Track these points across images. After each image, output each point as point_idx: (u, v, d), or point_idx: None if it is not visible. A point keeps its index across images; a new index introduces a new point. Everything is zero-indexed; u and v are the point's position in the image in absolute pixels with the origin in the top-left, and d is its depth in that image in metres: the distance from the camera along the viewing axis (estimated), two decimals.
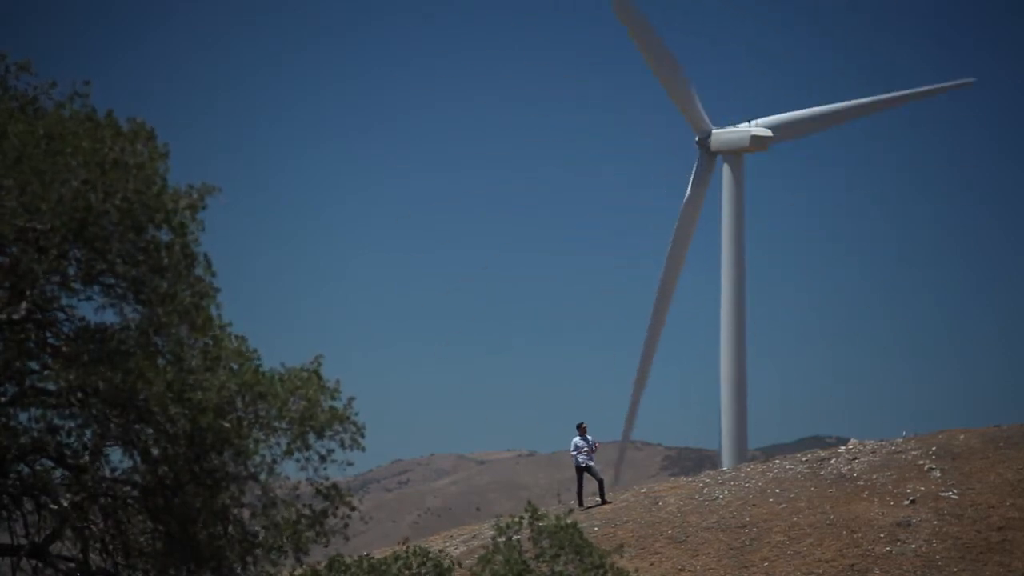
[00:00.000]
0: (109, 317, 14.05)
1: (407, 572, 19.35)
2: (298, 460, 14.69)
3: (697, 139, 54.66)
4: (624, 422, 58.15)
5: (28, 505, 15.10)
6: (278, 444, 14.53)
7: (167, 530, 14.71)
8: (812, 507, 32.53)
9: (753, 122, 54.33)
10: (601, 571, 20.93)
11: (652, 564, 30.42)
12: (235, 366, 14.09)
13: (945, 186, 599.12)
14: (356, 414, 14.89)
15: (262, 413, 14.30)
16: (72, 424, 14.41)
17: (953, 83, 57.73)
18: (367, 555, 19.48)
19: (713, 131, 54.32)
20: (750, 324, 54.95)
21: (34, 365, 14.25)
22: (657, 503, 34.82)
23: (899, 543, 30.13)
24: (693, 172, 54.51)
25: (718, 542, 31.29)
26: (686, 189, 54.60)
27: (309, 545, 15.24)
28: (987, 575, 28.72)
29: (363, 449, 14.89)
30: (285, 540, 14.96)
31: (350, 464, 15.06)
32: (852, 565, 29.40)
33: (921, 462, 34.62)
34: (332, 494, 15.31)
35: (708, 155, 54.37)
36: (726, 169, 54.22)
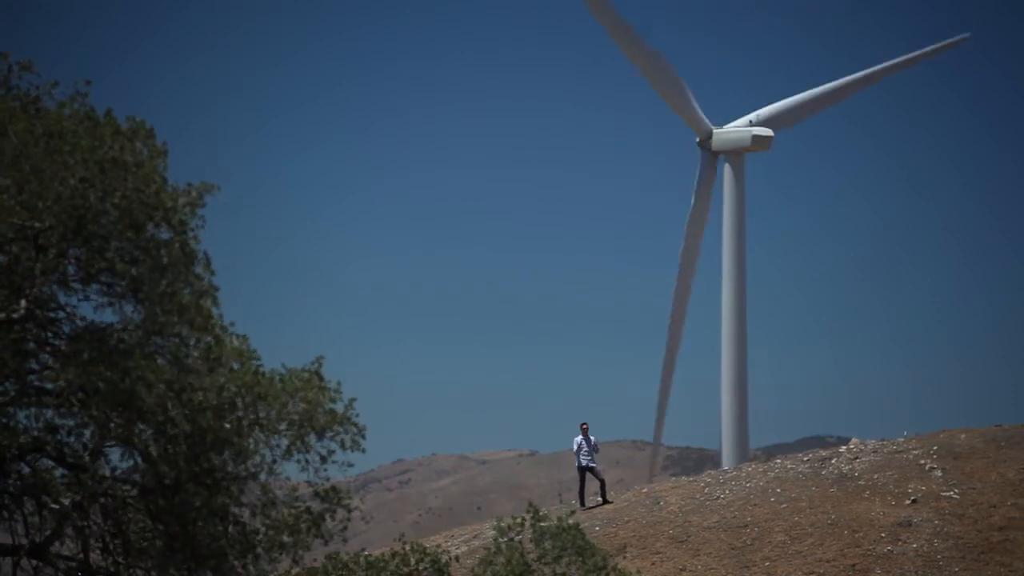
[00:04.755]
0: (108, 316, 14.05)
1: (405, 569, 19.29)
2: (298, 461, 14.69)
3: (698, 140, 54.55)
4: (654, 428, 57.81)
5: (29, 505, 15.08)
6: (278, 446, 14.53)
7: (167, 529, 14.70)
8: (813, 507, 32.51)
9: (752, 114, 54.14)
10: (603, 573, 20.88)
11: (653, 564, 30.40)
12: (236, 365, 14.08)
13: (945, 186, 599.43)
14: (357, 415, 14.90)
15: (262, 415, 14.29)
16: (72, 423, 14.40)
17: (948, 42, 57.51)
18: (364, 551, 19.42)
19: (714, 131, 54.23)
20: (751, 324, 54.89)
21: (34, 364, 14.23)
22: (658, 503, 34.81)
23: (900, 543, 30.11)
24: (697, 174, 54.40)
25: (719, 542, 31.27)
26: (690, 190, 54.49)
27: (308, 545, 15.24)
28: (988, 575, 28.70)
29: (363, 451, 14.89)
30: (285, 538, 14.96)
31: (350, 465, 15.08)
32: (853, 565, 29.39)
33: (922, 462, 34.61)
34: (331, 496, 15.31)
35: (710, 155, 54.29)
36: (727, 169, 54.11)
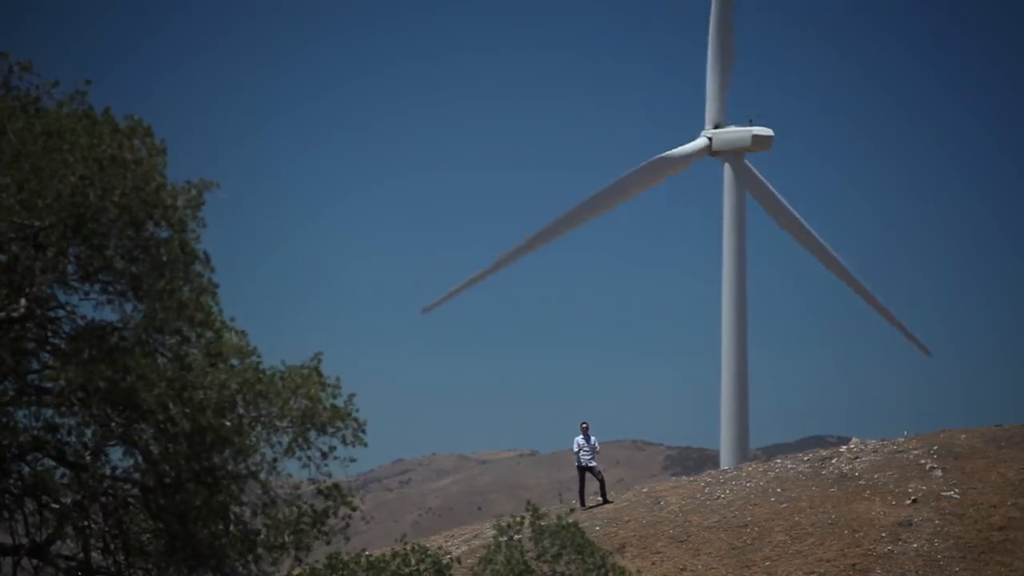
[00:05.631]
0: (108, 315, 14.03)
1: (406, 570, 19.28)
2: (300, 458, 14.67)
3: (707, 156, 54.82)
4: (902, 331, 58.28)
5: (29, 504, 15.06)
6: (279, 443, 14.52)
7: (168, 529, 14.68)
8: (814, 506, 32.49)
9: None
10: (603, 571, 20.87)
11: (654, 564, 30.38)
12: (236, 362, 14.07)
13: (945, 186, 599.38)
14: (357, 411, 14.89)
15: (263, 412, 14.28)
16: (72, 422, 14.39)
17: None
18: (364, 551, 19.41)
19: (713, 137, 54.28)
20: (751, 323, 54.97)
21: (34, 363, 14.22)
22: (659, 502, 34.79)
23: (901, 543, 30.10)
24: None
25: (720, 541, 31.25)
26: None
27: (310, 544, 15.22)
28: (988, 574, 28.69)
29: (364, 445, 14.87)
30: (286, 539, 14.94)
31: (352, 461, 15.06)
32: (854, 565, 29.37)
33: (923, 462, 34.60)
34: (333, 494, 15.29)
35: (722, 160, 54.63)
36: (727, 169, 54.21)
